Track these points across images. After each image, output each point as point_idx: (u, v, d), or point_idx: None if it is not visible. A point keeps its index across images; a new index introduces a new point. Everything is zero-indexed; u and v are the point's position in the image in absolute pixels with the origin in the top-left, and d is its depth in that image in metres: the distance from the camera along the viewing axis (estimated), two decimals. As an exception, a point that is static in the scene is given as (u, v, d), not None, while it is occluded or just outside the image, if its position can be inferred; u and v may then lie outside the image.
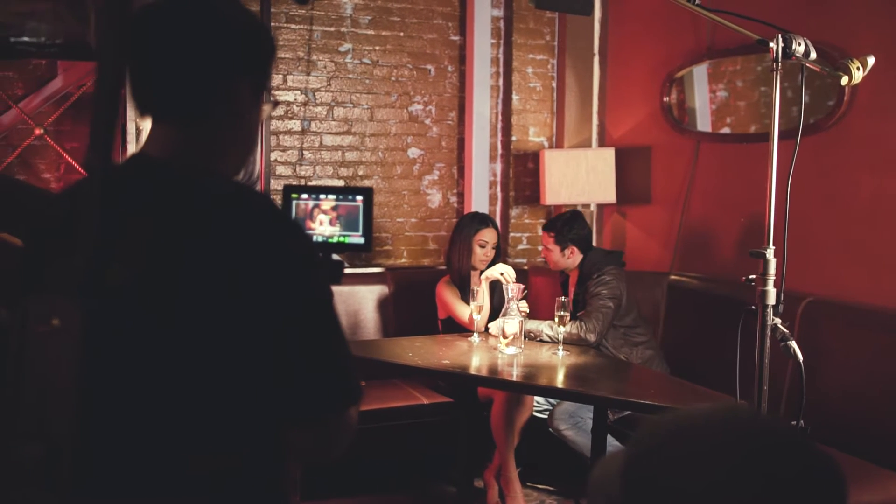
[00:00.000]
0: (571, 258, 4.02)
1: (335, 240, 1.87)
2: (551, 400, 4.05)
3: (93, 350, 1.07)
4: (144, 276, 1.18)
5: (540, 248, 4.87)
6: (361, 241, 1.86)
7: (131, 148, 4.23)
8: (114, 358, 1.17)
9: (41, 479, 0.95)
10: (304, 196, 1.90)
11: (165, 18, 1.28)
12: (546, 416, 3.99)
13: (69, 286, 1.06)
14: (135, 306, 1.18)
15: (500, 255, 4.22)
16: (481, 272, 4.08)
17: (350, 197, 1.90)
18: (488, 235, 4.14)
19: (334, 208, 1.90)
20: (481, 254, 4.12)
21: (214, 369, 1.19)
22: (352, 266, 4.77)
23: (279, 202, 1.49)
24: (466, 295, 4.09)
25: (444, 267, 4.95)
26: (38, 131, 4.17)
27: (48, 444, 0.96)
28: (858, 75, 2.45)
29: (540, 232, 4.96)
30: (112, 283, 1.13)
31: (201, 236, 1.20)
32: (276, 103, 4.53)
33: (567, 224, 4.02)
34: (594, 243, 5.11)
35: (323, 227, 1.88)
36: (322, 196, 1.90)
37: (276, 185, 4.54)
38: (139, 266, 1.18)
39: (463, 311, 4.09)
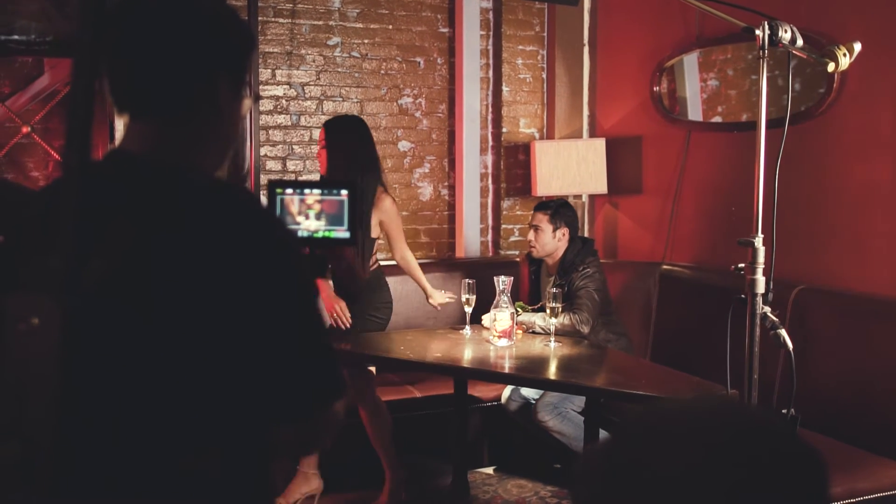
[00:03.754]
0: (562, 241, 3.99)
1: (320, 234, 1.86)
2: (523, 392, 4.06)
3: (73, 348, 1.06)
4: (123, 274, 1.17)
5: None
6: (347, 235, 1.85)
7: (119, 145, 4.21)
8: (93, 356, 1.16)
9: (18, 478, 0.94)
10: (289, 191, 1.89)
11: (141, 13, 1.27)
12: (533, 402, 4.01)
13: (47, 284, 1.05)
14: (114, 304, 1.16)
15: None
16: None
17: (335, 191, 1.89)
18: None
19: (319, 203, 1.89)
20: None
21: (195, 366, 1.18)
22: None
23: (264, 197, 1.48)
24: None
25: (432, 260, 4.95)
26: (25, 129, 4.15)
27: (25, 443, 0.95)
28: (845, 62, 2.44)
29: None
30: (90, 280, 1.12)
31: (180, 232, 1.19)
32: (257, 97, 4.51)
33: (563, 206, 4.05)
34: (586, 234, 5.11)
35: (308, 222, 1.87)
36: (307, 191, 1.89)
37: (266, 179, 4.52)
38: (118, 263, 1.17)
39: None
